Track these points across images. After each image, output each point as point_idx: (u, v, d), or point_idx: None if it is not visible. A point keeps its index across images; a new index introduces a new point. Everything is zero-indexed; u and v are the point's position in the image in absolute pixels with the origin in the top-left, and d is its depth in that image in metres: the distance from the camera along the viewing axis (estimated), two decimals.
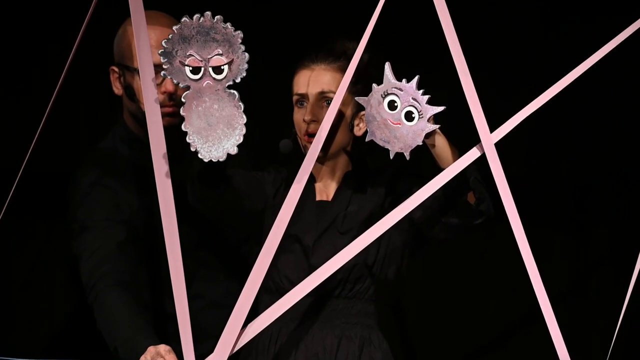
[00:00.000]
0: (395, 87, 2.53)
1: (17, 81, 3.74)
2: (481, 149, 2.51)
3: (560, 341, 2.42)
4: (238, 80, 2.33)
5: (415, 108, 2.52)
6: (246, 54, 2.33)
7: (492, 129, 2.52)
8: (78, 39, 2.52)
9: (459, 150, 2.64)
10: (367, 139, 2.53)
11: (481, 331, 3.88)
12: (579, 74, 2.53)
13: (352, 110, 2.84)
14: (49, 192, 3.61)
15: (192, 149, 2.33)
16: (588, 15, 3.79)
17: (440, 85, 2.57)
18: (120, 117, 3.05)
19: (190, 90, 2.33)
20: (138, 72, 2.83)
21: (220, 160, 2.33)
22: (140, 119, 2.93)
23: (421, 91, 2.53)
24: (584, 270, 3.86)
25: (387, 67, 2.54)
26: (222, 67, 2.33)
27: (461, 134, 2.66)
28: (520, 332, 3.85)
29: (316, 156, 2.48)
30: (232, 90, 2.34)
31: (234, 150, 2.33)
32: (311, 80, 2.81)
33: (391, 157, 2.51)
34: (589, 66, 2.53)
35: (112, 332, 2.73)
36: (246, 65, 2.33)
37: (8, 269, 3.76)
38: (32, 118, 2.79)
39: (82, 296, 2.89)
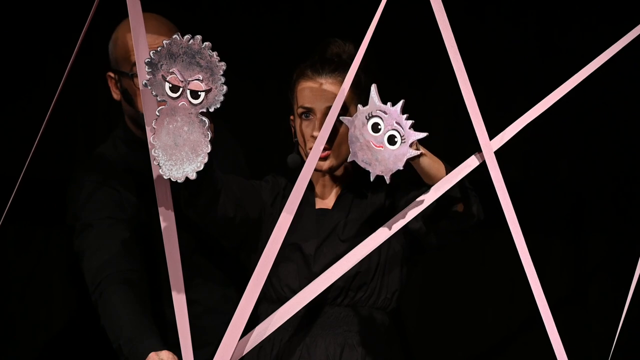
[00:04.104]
0: (380, 110, 2.48)
1: (16, 86, 3.74)
2: (481, 156, 2.50)
3: (560, 348, 2.42)
4: (212, 109, 2.35)
5: (398, 132, 2.47)
6: (224, 87, 2.34)
7: (490, 136, 2.51)
8: (77, 45, 2.51)
9: (453, 161, 2.61)
10: (349, 160, 2.49)
11: (480, 338, 3.88)
12: (580, 80, 2.52)
13: None
14: (48, 197, 3.61)
15: (155, 163, 2.35)
16: (587, 22, 3.79)
17: (440, 92, 2.56)
18: (121, 121, 3.06)
19: (166, 106, 2.35)
20: (132, 77, 2.85)
21: (179, 181, 2.36)
22: (140, 122, 2.93)
23: (405, 116, 2.48)
24: (583, 277, 3.86)
25: (374, 89, 2.50)
26: (199, 93, 2.34)
27: (459, 141, 2.66)
28: (519, 338, 3.85)
29: (315, 164, 2.47)
30: (204, 118, 2.36)
31: (192, 176, 2.35)
32: (319, 94, 2.77)
33: (372, 179, 2.49)
34: (589, 72, 2.53)
35: (115, 330, 2.75)
36: (222, 98, 2.34)
37: (7, 275, 3.76)
38: (31, 124, 2.79)
39: (81, 301, 2.88)
